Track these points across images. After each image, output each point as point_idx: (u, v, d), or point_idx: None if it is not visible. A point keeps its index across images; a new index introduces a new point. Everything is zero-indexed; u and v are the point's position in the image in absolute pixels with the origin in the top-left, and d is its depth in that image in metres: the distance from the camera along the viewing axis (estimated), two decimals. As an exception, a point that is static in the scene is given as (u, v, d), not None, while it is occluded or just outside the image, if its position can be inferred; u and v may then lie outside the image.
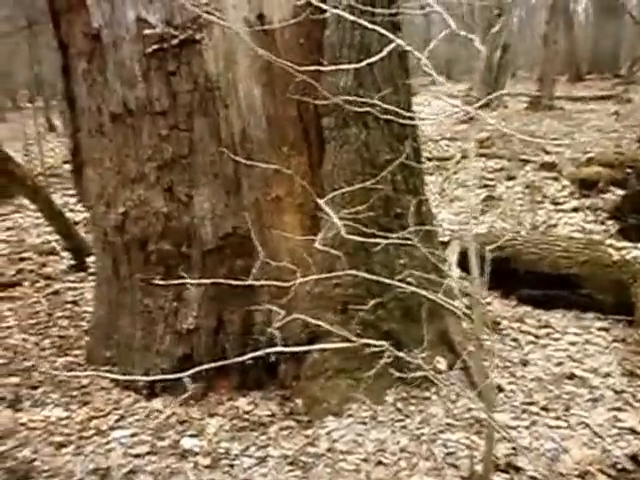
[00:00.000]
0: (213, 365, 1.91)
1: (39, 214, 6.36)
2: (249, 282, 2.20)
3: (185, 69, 2.40)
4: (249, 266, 2.63)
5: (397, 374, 2.40)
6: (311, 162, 2.61)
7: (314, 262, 2.58)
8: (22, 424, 2.63)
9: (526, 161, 6.28)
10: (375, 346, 2.07)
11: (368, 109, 2.49)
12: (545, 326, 3.29)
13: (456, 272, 3.35)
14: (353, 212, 2.48)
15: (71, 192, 7.23)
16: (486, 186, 5.96)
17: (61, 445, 2.48)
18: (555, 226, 4.98)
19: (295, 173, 2.57)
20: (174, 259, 2.61)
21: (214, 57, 2.40)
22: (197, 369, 1.83)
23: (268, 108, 2.49)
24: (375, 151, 2.54)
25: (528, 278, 3.42)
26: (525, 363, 2.90)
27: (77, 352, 3.27)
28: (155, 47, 2.38)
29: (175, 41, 2.37)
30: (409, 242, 2.41)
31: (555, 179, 5.99)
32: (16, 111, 18.40)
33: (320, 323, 2.19)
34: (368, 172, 2.52)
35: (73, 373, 2.96)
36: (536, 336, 3.20)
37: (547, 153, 6.80)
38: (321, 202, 2.12)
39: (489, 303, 3.47)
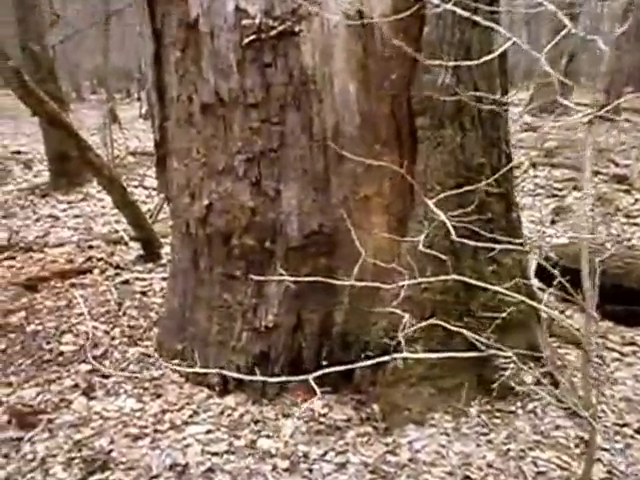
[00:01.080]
0: (327, 372, 1.79)
1: (105, 203, 6.48)
2: (350, 282, 2.09)
3: (281, 61, 2.32)
4: (332, 265, 2.54)
5: (481, 385, 2.28)
6: (402, 162, 2.49)
7: (400, 265, 2.47)
8: (96, 413, 2.60)
9: (596, 172, 6.01)
10: (500, 356, 1.95)
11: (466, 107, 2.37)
12: (630, 343, 3.10)
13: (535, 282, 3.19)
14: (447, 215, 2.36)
15: (135, 183, 7.32)
16: (555, 196, 5.73)
17: (137, 437, 2.42)
18: (629, 240, 4.74)
19: (385, 172, 2.46)
20: (257, 254, 2.53)
21: (311, 50, 2.31)
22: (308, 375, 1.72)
23: (362, 104, 2.38)
24: (470, 154, 2.41)
25: (613, 293, 3.22)
26: (613, 382, 2.72)
27: (147, 343, 3.23)
28: (252, 38, 2.30)
29: (273, 32, 2.28)
30: (498, 248, 2.28)
31: (627, 192, 5.72)
32: (80, 102, 18.90)
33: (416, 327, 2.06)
34: (462, 175, 2.39)
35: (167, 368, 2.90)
36: (621, 353, 3.01)
37: (616, 165, 6.52)
38: (430, 202, 1.98)
39: (570, 317, 3.29)
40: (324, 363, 2.66)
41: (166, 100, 2.66)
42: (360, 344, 2.60)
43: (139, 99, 18.33)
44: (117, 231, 5.12)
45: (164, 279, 4.02)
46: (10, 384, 2.84)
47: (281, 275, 2.53)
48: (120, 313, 3.59)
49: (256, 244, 2.51)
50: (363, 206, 2.48)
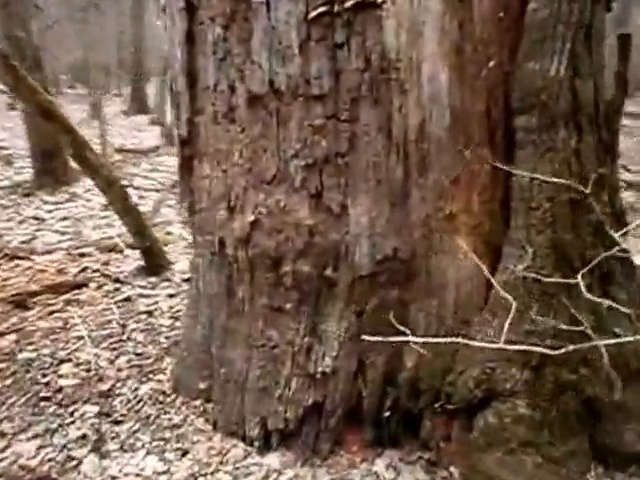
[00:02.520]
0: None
1: (93, 204, 5.84)
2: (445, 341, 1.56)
3: (357, 41, 1.77)
4: (405, 298, 2.01)
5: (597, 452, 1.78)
6: (494, 172, 1.97)
7: (494, 300, 1.96)
8: (112, 478, 2.03)
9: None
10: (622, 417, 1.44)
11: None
12: None
13: None
14: (556, 238, 1.86)
15: (125, 183, 6.66)
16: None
17: (165, 516, 1.87)
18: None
19: (475, 185, 1.94)
20: (313, 284, 1.99)
21: (395, 28, 1.76)
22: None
23: (454, 98, 1.85)
24: (586, 162, 1.90)
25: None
26: None
27: (160, 377, 2.66)
28: (321, 10, 1.75)
29: (348, 3, 1.73)
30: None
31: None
32: (59, 96, 17.95)
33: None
34: (577, 189, 1.88)
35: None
36: None
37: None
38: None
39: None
40: (386, 414, 2.14)
41: (198, 89, 2.09)
42: (432, 392, 2.08)
43: (119, 95, 17.61)
44: (111, 237, 4.50)
45: (171, 296, 3.45)
46: (3, 434, 2.26)
47: (343, 309, 2.00)
48: (124, 337, 3.01)
49: (313, 271, 1.96)
50: (447, 226, 1.95)
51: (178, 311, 3.27)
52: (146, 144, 9.21)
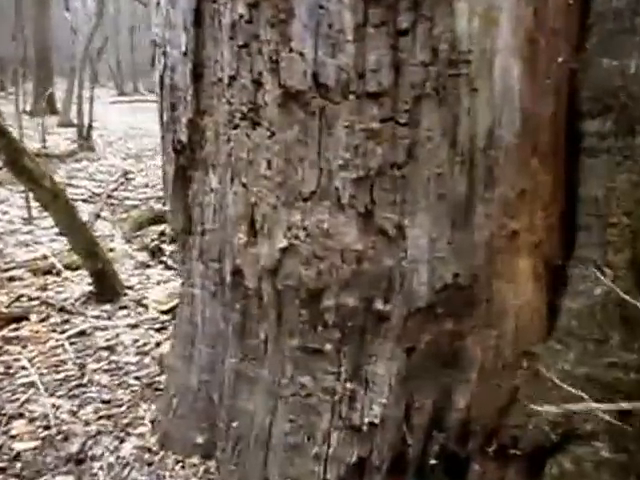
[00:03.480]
0: None
1: (11, 217, 5.13)
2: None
3: (424, 28, 1.44)
4: (461, 330, 1.71)
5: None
6: (556, 182, 1.71)
7: (563, 329, 1.70)
8: None
9: None
10: None
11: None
12: None
13: None
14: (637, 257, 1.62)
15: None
16: None
17: None
18: None
19: (539, 198, 1.67)
20: (358, 319, 1.64)
21: (468, 13, 1.46)
22: None
23: (525, 98, 1.56)
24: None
25: None
26: None
27: (141, 429, 2.20)
28: (382, -12, 1.41)
29: (416, -20, 1.41)
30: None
31: None
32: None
33: None
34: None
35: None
36: None
37: None
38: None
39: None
40: (432, 462, 1.83)
41: (204, 84, 1.69)
42: (484, 434, 1.80)
43: (17, 94, 16.10)
44: (44, 256, 3.89)
45: (133, 327, 2.96)
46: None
47: (393, 348, 1.67)
48: (85, 381, 2.50)
49: (359, 305, 1.61)
50: (509, 245, 1.67)
51: (145, 345, 2.79)
52: (62, 148, 8.37)
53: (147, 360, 2.68)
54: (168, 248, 3.70)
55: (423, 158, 1.53)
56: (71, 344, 2.74)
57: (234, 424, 1.85)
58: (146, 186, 6.33)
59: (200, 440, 2.02)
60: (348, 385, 1.69)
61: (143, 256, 3.82)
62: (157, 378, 2.53)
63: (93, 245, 3.04)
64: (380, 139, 1.50)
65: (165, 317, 3.03)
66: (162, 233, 3.79)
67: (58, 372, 2.54)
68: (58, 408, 2.30)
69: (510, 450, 1.74)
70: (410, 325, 1.65)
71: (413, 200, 1.55)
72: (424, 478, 1.86)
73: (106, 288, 3.11)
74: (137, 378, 2.54)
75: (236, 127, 1.63)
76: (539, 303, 1.75)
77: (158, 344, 2.81)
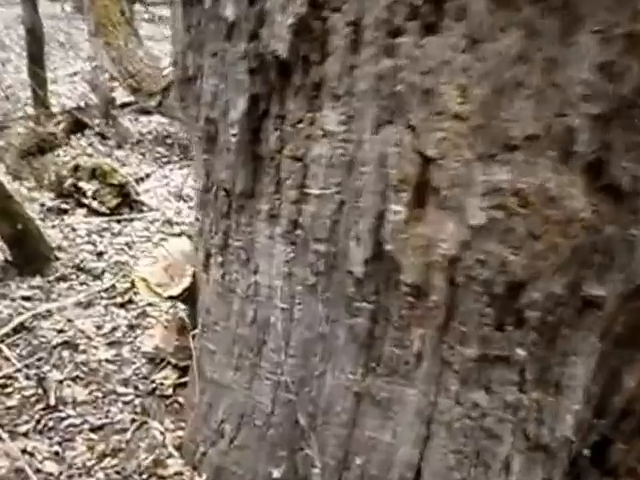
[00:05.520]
0: None
1: None
2: None
3: None
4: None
5: None
6: None
7: None
8: None
9: None
10: None
11: None
12: None
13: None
14: None
15: None
16: None
17: None
18: None
19: None
20: (557, 311, 1.15)
21: None
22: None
23: None
24: None
25: None
26: None
27: (173, 466, 1.59)
28: None
29: None
30: None
31: None
32: None
33: None
34: None
35: None
36: None
37: None
38: None
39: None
40: (586, 453, 1.49)
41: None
42: None
43: None
44: None
45: (87, 306, 2.19)
46: None
47: (598, 340, 1.23)
48: (52, 401, 1.77)
49: (565, 293, 1.13)
50: None
51: (114, 330, 2.07)
52: None
53: (126, 353, 1.98)
54: (88, 187, 2.81)
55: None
56: (11, 347, 1.93)
57: (358, 460, 1.33)
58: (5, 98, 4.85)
59: (277, 474, 1.48)
60: (534, 395, 1.23)
61: (49, 198, 2.88)
62: (154, 377, 1.88)
63: (4, 198, 2.13)
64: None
65: (127, 286, 2.29)
66: (76, 168, 2.85)
67: (9, 396, 1.76)
68: (32, 455, 1.58)
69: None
70: (619, 309, 1.21)
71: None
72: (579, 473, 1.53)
73: (30, 254, 2.25)
74: (125, 383, 1.86)
75: (397, 33, 0.97)
76: None
77: (132, 327, 2.11)
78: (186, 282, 1.70)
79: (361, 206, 1.15)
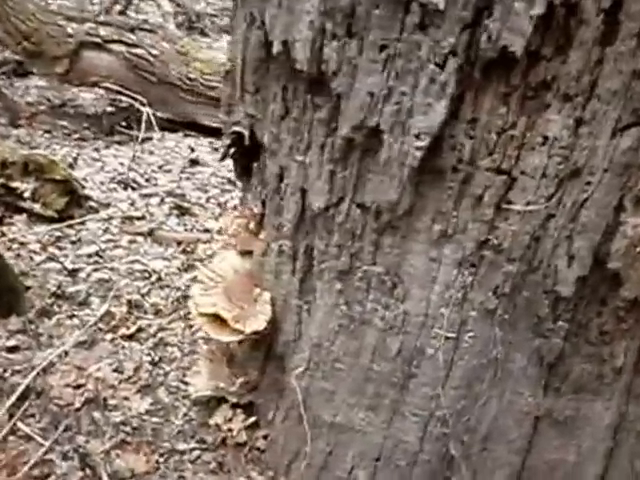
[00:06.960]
0: None
1: None
2: None
3: None
4: None
5: None
6: None
7: None
8: None
9: None
10: None
11: None
12: None
13: None
14: None
15: None
16: None
17: None
18: None
19: None
20: None
21: None
22: None
23: None
24: None
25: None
26: None
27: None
28: None
29: None
30: None
31: None
32: None
33: None
34: None
35: None
36: None
37: None
38: None
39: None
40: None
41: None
42: None
43: None
44: None
45: (89, 346, 1.77)
46: None
47: None
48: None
49: None
50: None
51: (137, 372, 1.71)
52: None
53: (165, 398, 1.65)
54: (24, 186, 2.23)
55: None
56: (25, 421, 1.50)
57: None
58: None
59: None
60: None
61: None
62: (213, 422, 1.59)
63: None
64: None
65: (123, 310, 1.89)
66: (3, 164, 2.24)
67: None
68: None
69: None
70: None
71: None
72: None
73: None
74: (182, 437, 1.55)
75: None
76: None
77: (155, 363, 1.75)
78: (265, 310, 1.41)
79: (583, 221, 0.99)
